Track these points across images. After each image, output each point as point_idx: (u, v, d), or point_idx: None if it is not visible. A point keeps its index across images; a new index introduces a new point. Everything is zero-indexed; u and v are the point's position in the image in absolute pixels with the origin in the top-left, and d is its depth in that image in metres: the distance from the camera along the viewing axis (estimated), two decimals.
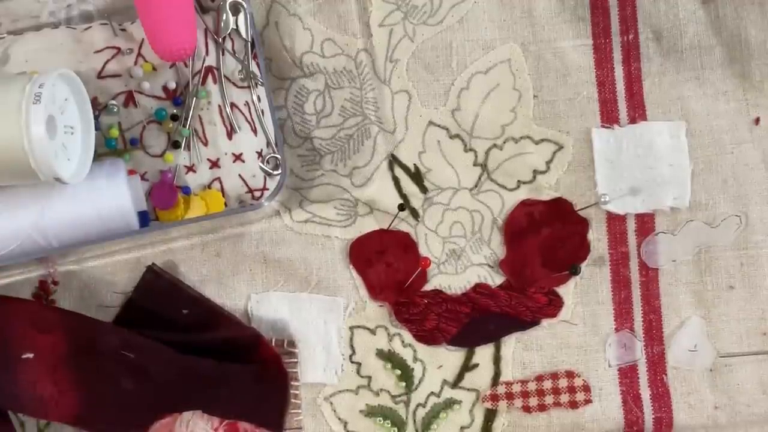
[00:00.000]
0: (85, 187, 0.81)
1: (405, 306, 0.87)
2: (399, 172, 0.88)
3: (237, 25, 0.86)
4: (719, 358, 0.88)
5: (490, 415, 0.88)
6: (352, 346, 0.88)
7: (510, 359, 0.88)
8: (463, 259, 0.88)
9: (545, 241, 0.88)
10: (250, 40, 0.86)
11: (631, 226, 0.88)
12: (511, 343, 0.88)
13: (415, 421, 0.88)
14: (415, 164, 0.88)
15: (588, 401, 0.88)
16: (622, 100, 0.88)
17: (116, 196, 0.81)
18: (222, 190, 0.87)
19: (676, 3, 0.88)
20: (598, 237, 0.88)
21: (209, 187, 0.87)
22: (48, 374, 0.81)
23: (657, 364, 0.88)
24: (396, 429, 0.88)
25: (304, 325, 0.88)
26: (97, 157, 0.84)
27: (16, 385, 0.80)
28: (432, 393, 0.88)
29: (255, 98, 0.86)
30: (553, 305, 0.88)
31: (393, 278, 0.87)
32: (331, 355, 0.88)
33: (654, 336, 0.88)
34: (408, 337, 0.88)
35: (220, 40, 0.86)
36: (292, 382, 0.87)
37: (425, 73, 0.88)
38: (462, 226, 0.88)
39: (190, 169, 0.86)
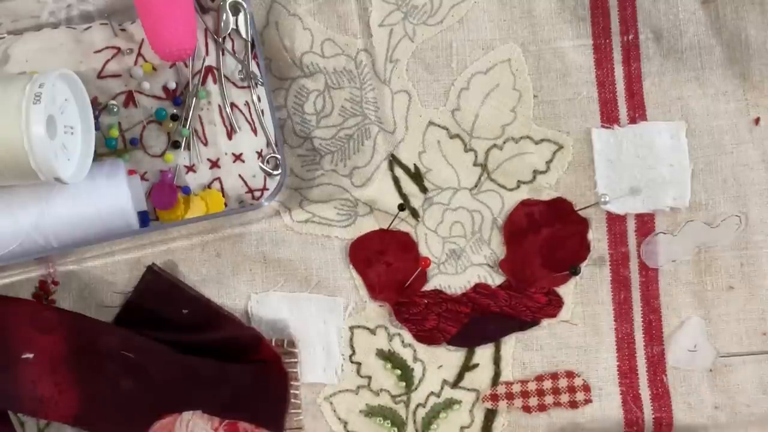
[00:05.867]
0: (85, 187, 0.81)
1: (405, 306, 0.87)
2: (399, 172, 0.88)
3: (237, 25, 0.86)
4: (719, 358, 0.88)
5: (490, 415, 0.88)
6: (352, 346, 0.88)
7: (510, 359, 0.88)
8: (463, 259, 0.88)
9: (545, 241, 0.88)
10: (250, 40, 0.86)
11: (631, 226, 0.88)
12: (511, 343, 0.88)
13: (415, 421, 0.88)
14: (415, 164, 0.88)
15: (588, 401, 0.88)
16: (622, 100, 0.88)
17: (116, 196, 0.81)
18: (222, 190, 0.87)
19: (676, 3, 0.88)
20: (598, 237, 0.88)
21: (209, 187, 0.87)
22: (48, 374, 0.81)
23: (657, 364, 0.88)
24: (396, 429, 0.88)
25: (304, 325, 0.88)
26: (97, 157, 0.84)
27: (16, 385, 0.80)
28: (432, 393, 0.88)
29: (255, 98, 0.86)
30: (553, 305, 0.88)
31: (393, 278, 0.87)
32: (331, 355, 0.88)
33: (654, 336, 0.88)
34: (408, 337, 0.88)
35: (220, 40, 0.86)
36: (292, 382, 0.87)
37: (425, 73, 0.88)
38: (462, 226, 0.88)
39: (190, 169, 0.86)
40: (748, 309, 0.88)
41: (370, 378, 0.88)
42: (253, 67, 0.86)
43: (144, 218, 0.85)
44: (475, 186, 0.88)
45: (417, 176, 0.88)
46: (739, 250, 0.88)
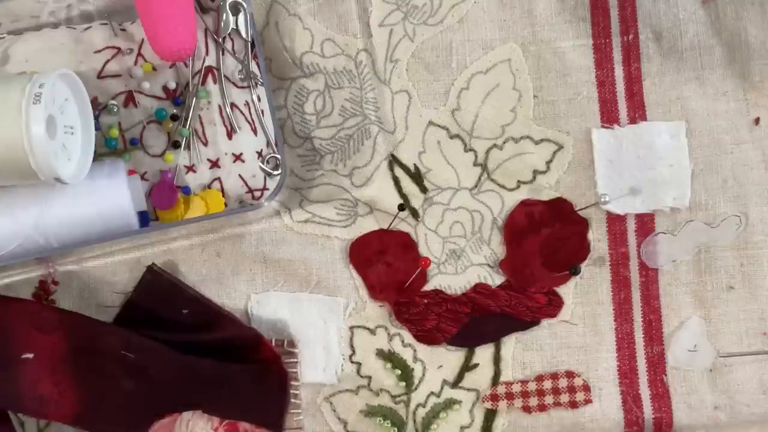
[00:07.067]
0: (85, 187, 0.81)
1: (405, 306, 0.87)
2: (399, 172, 0.88)
3: (237, 25, 0.86)
4: (719, 358, 0.88)
5: (490, 415, 0.88)
6: (352, 346, 0.88)
7: (510, 359, 0.88)
8: (463, 259, 0.88)
9: (545, 241, 0.88)
10: (250, 40, 0.86)
11: (631, 226, 0.88)
12: (511, 343, 0.88)
13: (415, 421, 0.88)
14: (415, 164, 0.88)
15: (588, 401, 0.88)
16: (622, 100, 0.88)
17: (116, 196, 0.81)
18: (222, 190, 0.87)
19: (676, 3, 0.88)
20: (598, 237, 0.88)
21: (209, 187, 0.87)
22: (48, 374, 0.81)
23: (657, 364, 0.88)
24: (396, 429, 0.88)
25: (304, 325, 0.88)
26: (97, 157, 0.84)
27: (17, 385, 0.80)
28: (432, 393, 0.88)
29: (255, 98, 0.87)
30: (553, 305, 0.88)
31: (393, 278, 0.87)
32: (331, 355, 0.88)
33: (654, 336, 0.88)
34: (408, 337, 0.88)
35: (220, 40, 0.86)
36: (292, 382, 0.87)
37: (425, 73, 0.88)
38: (462, 226, 0.88)
39: (190, 169, 0.87)
40: (748, 309, 0.88)
41: (370, 378, 0.88)
42: (253, 67, 0.86)
43: (144, 218, 0.85)
44: (475, 186, 0.88)
45: (417, 176, 0.88)
46: (739, 250, 0.88)
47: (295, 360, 0.87)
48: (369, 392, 0.88)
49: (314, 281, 0.88)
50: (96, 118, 0.85)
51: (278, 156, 0.86)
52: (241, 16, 0.86)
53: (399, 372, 0.88)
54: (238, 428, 0.84)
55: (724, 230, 0.88)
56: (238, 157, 0.86)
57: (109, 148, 0.86)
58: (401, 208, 0.87)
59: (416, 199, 0.88)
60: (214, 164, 0.87)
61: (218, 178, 0.87)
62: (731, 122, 0.88)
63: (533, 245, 0.88)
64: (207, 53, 0.86)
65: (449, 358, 0.88)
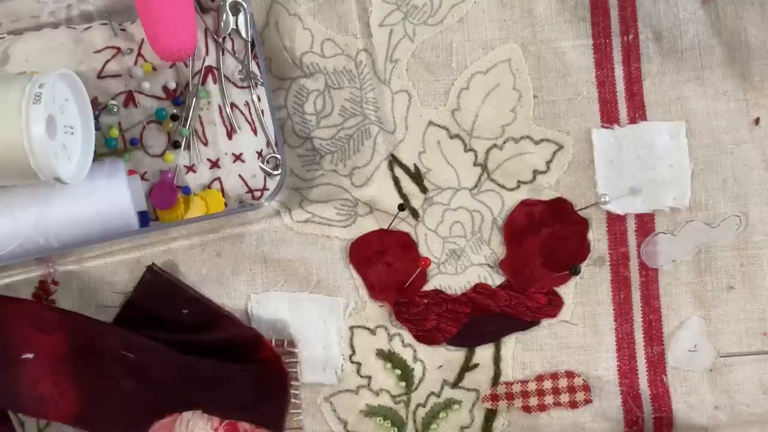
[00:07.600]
0: (85, 187, 0.81)
1: (405, 306, 0.88)
2: (399, 172, 0.88)
3: (237, 25, 0.86)
4: (719, 358, 0.88)
5: (490, 415, 0.88)
6: (352, 346, 0.88)
7: (510, 359, 0.88)
8: (463, 259, 0.88)
9: (545, 241, 0.88)
10: (250, 40, 0.86)
11: (631, 226, 0.88)
12: (511, 343, 0.88)
13: (415, 421, 0.88)
14: (415, 164, 0.88)
15: (588, 401, 0.88)
16: (622, 100, 0.88)
17: (116, 196, 0.81)
18: (222, 190, 0.87)
19: (676, 3, 0.88)
20: (598, 237, 0.88)
21: (209, 187, 0.87)
22: (48, 374, 0.81)
23: (657, 364, 0.88)
24: (396, 429, 0.88)
25: (304, 325, 0.88)
26: (97, 157, 0.84)
27: (16, 385, 0.80)
28: (432, 393, 0.88)
29: (255, 98, 0.87)
30: (553, 305, 0.88)
31: (393, 278, 0.87)
32: (331, 355, 0.88)
33: (654, 336, 0.88)
34: (408, 337, 0.88)
35: (220, 40, 0.86)
36: (292, 382, 0.87)
37: (425, 73, 0.89)
38: (462, 226, 0.88)
39: (190, 169, 0.87)
40: (748, 309, 0.88)
41: (370, 378, 0.88)
42: (253, 67, 0.86)
43: (144, 218, 0.85)
44: (475, 186, 0.88)
45: (417, 176, 0.88)
46: (739, 250, 0.88)
47: (295, 360, 0.87)
48: (369, 392, 0.88)
49: (314, 281, 0.88)
50: (96, 118, 0.85)
51: (278, 156, 0.86)
52: (241, 16, 0.86)
53: (399, 372, 0.88)
54: (238, 428, 0.84)
55: (724, 230, 0.88)
56: (238, 157, 0.86)
57: (109, 148, 0.86)
58: (401, 208, 0.87)
59: (416, 199, 0.88)
60: (214, 164, 0.87)
61: (218, 178, 0.87)
62: (731, 122, 0.88)
63: (533, 245, 0.88)
64: (207, 53, 0.86)
65: (449, 358, 0.88)
